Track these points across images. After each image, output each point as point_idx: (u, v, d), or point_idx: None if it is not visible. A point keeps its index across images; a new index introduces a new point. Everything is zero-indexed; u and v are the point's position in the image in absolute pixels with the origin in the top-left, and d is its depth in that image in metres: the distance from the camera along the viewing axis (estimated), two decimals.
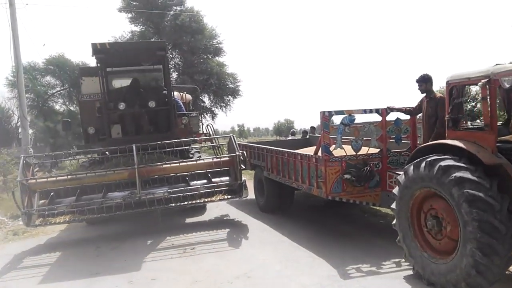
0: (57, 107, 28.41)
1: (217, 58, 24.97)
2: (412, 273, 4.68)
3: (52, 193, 6.89)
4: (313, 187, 6.28)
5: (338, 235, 6.56)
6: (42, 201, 6.82)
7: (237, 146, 7.39)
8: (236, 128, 64.98)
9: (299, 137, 11.92)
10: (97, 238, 7.23)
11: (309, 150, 7.03)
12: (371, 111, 6.05)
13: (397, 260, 5.21)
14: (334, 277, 4.81)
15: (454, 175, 3.97)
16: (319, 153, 6.04)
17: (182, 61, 25.01)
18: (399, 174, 5.72)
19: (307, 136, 11.55)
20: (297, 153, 6.85)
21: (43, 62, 26.82)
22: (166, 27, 24.25)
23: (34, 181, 6.82)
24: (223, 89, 24.60)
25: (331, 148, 5.89)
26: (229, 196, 7.21)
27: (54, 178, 7.05)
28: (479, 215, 3.76)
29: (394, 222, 4.92)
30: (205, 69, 23.96)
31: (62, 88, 26.95)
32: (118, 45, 7.97)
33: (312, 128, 12.99)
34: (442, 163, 4.13)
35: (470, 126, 5.17)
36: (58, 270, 5.75)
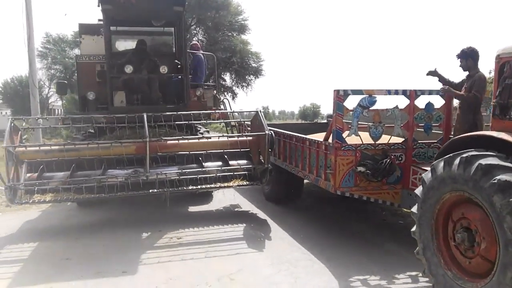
0: None
1: (241, 35, 24.02)
2: None
3: (42, 166, 5.79)
4: (321, 179, 5.40)
5: (347, 235, 5.67)
6: (30, 174, 5.74)
7: (266, 123, 6.27)
8: (261, 110, 64.13)
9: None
10: (84, 226, 6.13)
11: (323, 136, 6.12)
12: (396, 92, 5.03)
13: (414, 273, 4.32)
14: None
15: (497, 178, 3.00)
16: (330, 140, 5.12)
17: (206, 37, 24.21)
18: (426, 171, 4.83)
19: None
20: (306, 138, 5.94)
21: (71, 35, 26.86)
22: (190, 1, 23.39)
23: (23, 148, 5.67)
24: (245, 68, 23.70)
25: (344, 134, 4.96)
26: (248, 182, 6.23)
27: (48, 147, 5.84)
28: None
29: (413, 229, 3.98)
30: (228, 47, 23.08)
31: None
32: None
33: None
34: (483, 161, 3.16)
35: None
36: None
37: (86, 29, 7.82)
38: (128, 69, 6.92)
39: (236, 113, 8.91)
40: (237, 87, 24.75)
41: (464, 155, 3.33)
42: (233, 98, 24.85)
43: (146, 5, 6.89)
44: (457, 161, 3.38)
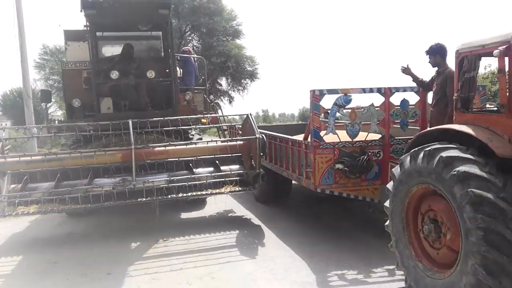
0: None
1: (235, 40, 24.21)
2: (404, 286, 3.87)
3: (26, 177, 5.64)
4: (302, 177, 5.50)
5: (332, 232, 5.77)
6: (13, 185, 5.58)
7: (256, 127, 6.11)
8: (261, 113, 64.20)
9: None
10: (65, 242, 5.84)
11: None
12: (371, 90, 5.15)
13: (391, 267, 4.40)
14: (309, 285, 4.07)
15: (457, 169, 3.09)
16: (309, 139, 5.23)
17: (201, 43, 24.40)
18: None
19: None
20: (288, 138, 6.06)
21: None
22: (184, 8, 23.62)
23: (2, 160, 5.54)
24: (240, 72, 23.87)
25: (322, 133, 5.07)
26: (241, 188, 6.06)
27: (29, 158, 5.71)
28: (485, 222, 2.88)
29: (387, 223, 4.09)
30: (223, 52, 23.23)
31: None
32: None
33: None
34: (444, 154, 3.25)
35: (484, 108, 4.21)
36: None
37: (71, 36, 7.67)
38: (114, 74, 6.76)
39: (237, 117, 8.64)
40: (233, 91, 24.97)
41: (427, 149, 3.43)
42: (230, 102, 25.05)
43: (130, 8, 6.74)
44: (421, 154, 3.48)
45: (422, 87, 5.15)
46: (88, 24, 6.85)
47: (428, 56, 4.70)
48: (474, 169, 3.05)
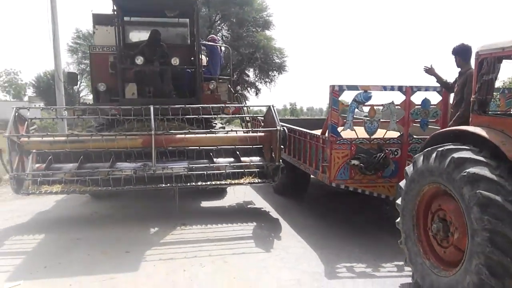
0: None
1: (265, 31, 24.21)
2: (411, 281, 3.95)
3: (50, 157, 5.84)
4: (319, 171, 5.60)
5: (346, 227, 5.85)
6: (38, 165, 5.84)
7: (278, 119, 6.08)
8: (288, 107, 64.00)
9: None
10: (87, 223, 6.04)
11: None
12: (392, 88, 5.16)
13: (400, 263, 4.45)
14: (318, 275, 4.20)
15: (467, 170, 3.13)
16: (326, 134, 5.31)
17: (230, 33, 24.57)
18: None
19: None
20: (307, 132, 6.15)
21: None
22: None
23: (26, 139, 5.61)
24: (269, 63, 23.89)
25: (340, 129, 5.14)
26: (260, 180, 6.07)
27: (52, 138, 5.79)
28: (491, 224, 2.92)
29: (398, 220, 4.16)
30: (251, 42, 23.33)
31: None
32: None
33: None
34: (456, 155, 3.29)
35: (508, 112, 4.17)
36: None
37: (100, 20, 7.72)
38: (139, 60, 6.83)
39: (263, 108, 8.65)
40: (261, 83, 25.06)
41: (440, 149, 3.47)
42: (256, 94, 25.15)
43: None
44: (434, 154, 3.53)
45: (445, 88, 5.12)
46: (115, 8, 6.94)
47: (454, 56, 4.67)
48: (484, 171, 3.08)
